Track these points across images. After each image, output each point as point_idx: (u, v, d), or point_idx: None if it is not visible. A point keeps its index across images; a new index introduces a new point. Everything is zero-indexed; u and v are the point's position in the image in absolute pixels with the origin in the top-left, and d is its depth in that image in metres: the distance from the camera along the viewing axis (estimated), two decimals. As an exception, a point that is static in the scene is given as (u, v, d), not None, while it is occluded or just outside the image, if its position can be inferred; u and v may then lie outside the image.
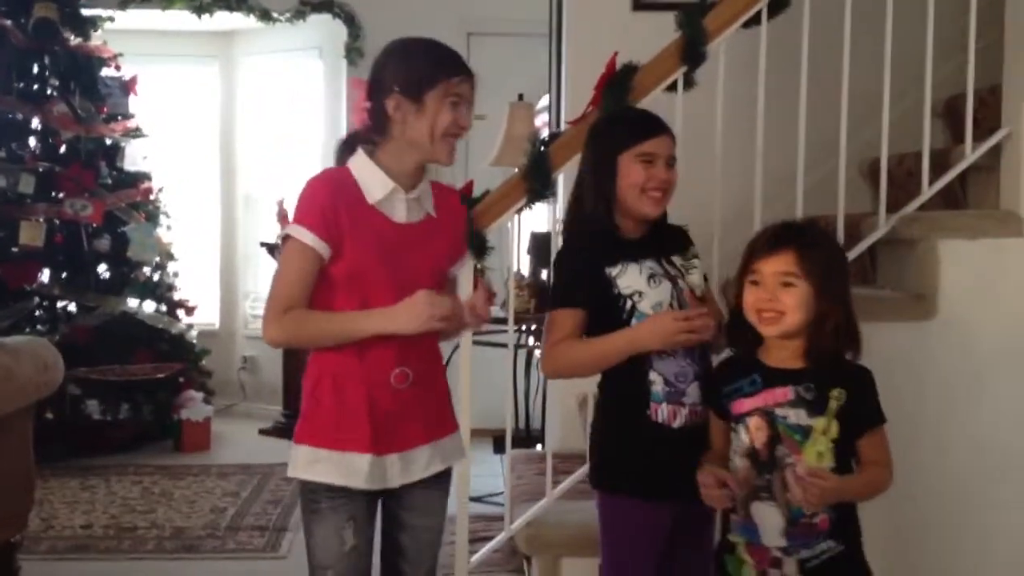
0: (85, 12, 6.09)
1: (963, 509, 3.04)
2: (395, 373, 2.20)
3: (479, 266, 3.00)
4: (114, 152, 6.10)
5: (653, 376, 2.32)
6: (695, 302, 2.36)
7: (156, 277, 6.17)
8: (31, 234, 5.66)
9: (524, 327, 4.55)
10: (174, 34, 6.87)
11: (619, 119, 2.59)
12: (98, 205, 5.77)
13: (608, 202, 2.37)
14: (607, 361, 2.35)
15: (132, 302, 5.95)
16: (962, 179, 3.27)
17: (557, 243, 3.59)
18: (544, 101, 5.24)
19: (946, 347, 3.03)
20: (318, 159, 6.70)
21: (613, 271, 2.34)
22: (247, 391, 7.05)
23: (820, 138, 3.19)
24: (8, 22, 5.76)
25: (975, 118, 3.15)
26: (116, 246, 5.94)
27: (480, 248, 2.95)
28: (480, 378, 3.03)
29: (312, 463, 2.21)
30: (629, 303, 2.33)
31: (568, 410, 3.88)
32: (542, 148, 3.03)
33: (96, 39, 6.13)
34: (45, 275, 5.84)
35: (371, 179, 2.20)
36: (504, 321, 3.30)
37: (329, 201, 2.17)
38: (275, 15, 6.43)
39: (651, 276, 2.34)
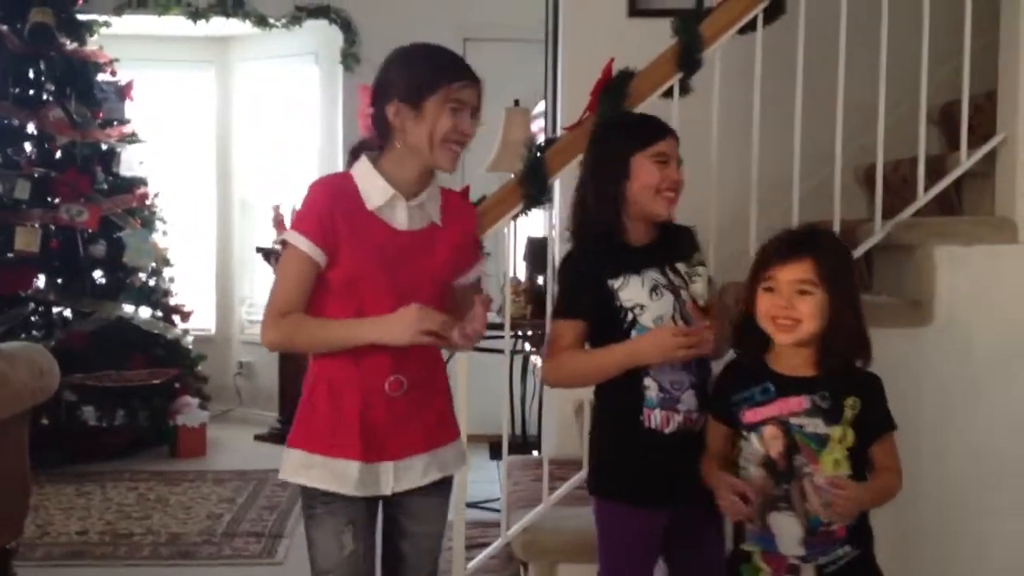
0: (81, 17, 6.10)
1: (960, 515, 3.04)
2: (390, 381, 2.19)
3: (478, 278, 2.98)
4: (110, 157, 6.09)
5: (647, 382, 2.32)
6: (698, 315, 2.33)
7: (152, 283, 6.17)
8: (26, 240, 5.66)
9: (520, 333, 4.54)
10: (170, 39, 6.86)
11: (627, 122, 2.59)
12: (94, 210, 5.76)
13: (616, 206, 2.35)
14: (606, 373, 2.35)
15: (128, 308, 5.95)
16: (957, 185, 3.28)
17: (554, 248, 3.60)
18: (540, 107, 5.25)
19: (942, 353, 3.03)
20: (314, 165, 6.71)
21: (615, 283, 2.33)
22: (243, 397, 7.04)
23: (816, 144, 3.19)
24: (4, 27, 5.77)
25: (970, 124, 3.15)
26: (112, 252, 5.93)
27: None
28: (477, 384, 3.03)
29: (302, 467, 2.22)
30: (630, 315, 2.33)
31: (564, 416, 3.88)
32: (538, 154, 3.03)
33: (92, 44, 6.14)
34: (41, 281, 5.83)
35: (371, 185, 2.19)
36: (501, 327, 3.30)
37: (326, 208, 2.17)
38: (271, 21, 6.43)
39: (653, 288, 2.33)
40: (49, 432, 5.32)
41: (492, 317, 2.38)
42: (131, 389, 5.72)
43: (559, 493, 3.11)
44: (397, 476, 2.23)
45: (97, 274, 5.99)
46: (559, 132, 3.81)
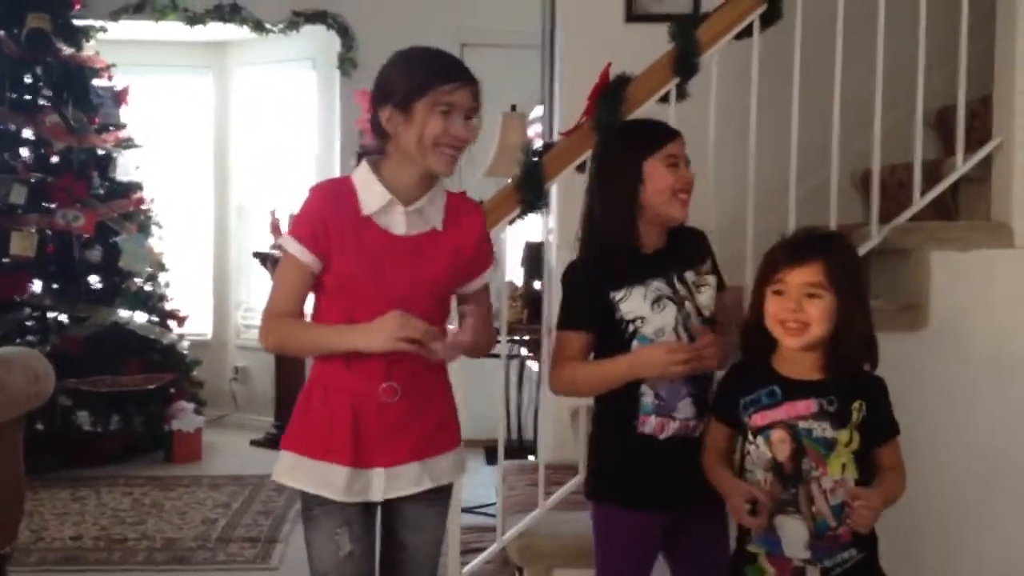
0: (78, 23, 6.11)
1: (957, 518, 3.04)
2: (383, 387, 2.18)
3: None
4: (106, 162, 6.09)
5: (644, 389, 2.32)
6: (702, 331, 2.31)
7: (148, 287, 6.16)
8: (22, 244, 5.65)
9: (517, 338, 4.54)
10: (167, 45, 6.87)
11: (635, 127, 2.56)
12: (90, 215, 5.76)
13: (630, 212, 2.33)
14: (608, 385, 2.35)
15: (123, 313, 5.94)
16: (953, 190, 3.28)
17: (551, 253, 3.61)
18: (537, 112, 5.25)
19: (938, 357, 3.04)
20: (311, 170, 6.71)
21: (617, 295, 2.32)
22: (239, 402, 7.03)
23: (812, 148, 3.19)
24: (1, 32, 5.76)
25: (966, 129, 3.16)
26: (108, 257, 5.93)
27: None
28: (473, 389, 3.02)
29: (293, 470, 2.23)
30: (631, 327, 2.32)
31: (561, 421, 3.87)
32: (535, 159, 3.03)
33: (89, 49, 6.15)
34: (36, 286, 5.83)
35: (369, 191, 2.18)
36: (497, 332, 3.29)
37: (320, 214, 2.17)
38: (268, 26, 6.43)
39: (656, 300, 2.32)
40: (44, 437, 5.31)
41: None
42: (126, 394, 5.71)
43: (555, 498, 3.11)
44: (388, 483, 2.21)
45: (93, 279, 5.98)
46: (556, 137, 3.81)
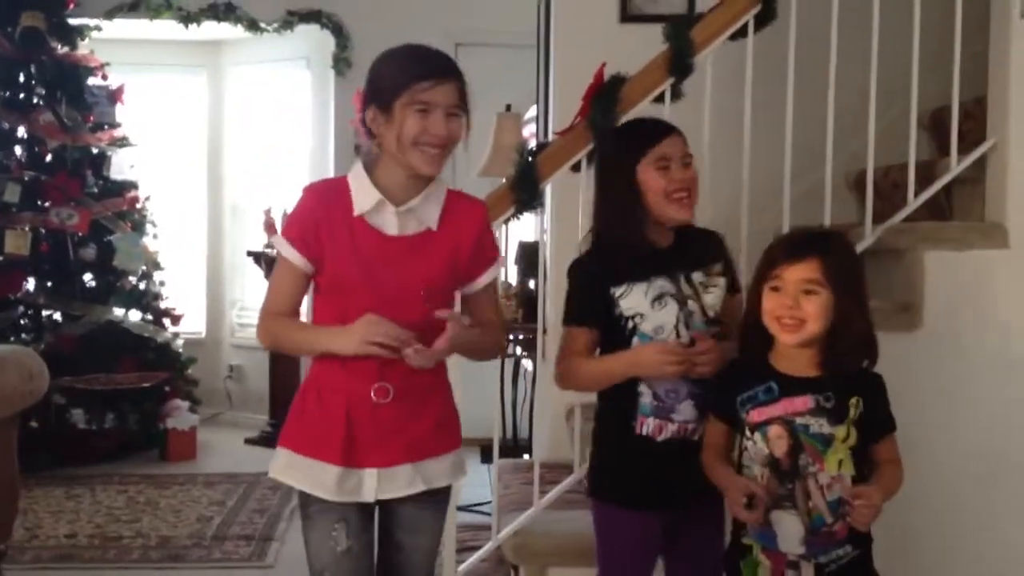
0: (72, 21, 6.10)
1: (954, 518, 3.05)
2: (376, 387, 2.16)
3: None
4: (100, 161, 6.08)
5: (642, 388, 2.32)
6: (701, 336, 2.30)
7: (142, 286, 6.15)
8: (16, 243, 5.65)
9: (512, 337, 4.55)
10: (161, 44, 6.86)
11: (625, 132, 2.56)
12: (84, 214, 5.75)
13: (631, 214, 2.33)
14: (608, 381, 2.36)
15: (118, 311, 5.94)
16: (947, 191, 3.29)
17: (545, 252, 3.61)
18: (532, 112, 5.26)
19: (933, 357, 3.04)
20: (305, 169, 6.71)
21: (617, 291, 2.32)
22: (233, 400, 7.03)
23: (807, 149, 3.20)
24: (-5, 31, 5.76)
25: (960, 130, 3.16)
26: (102, 255, 5.92)
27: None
28: (468, 387, 3.02)
29: (289, 467, 2.23)
30: (630, 324, 2.32)
31: (556, 420, 3.88)
32: (530, 159, 3.03)
33: (83, 48, 6.13)
34: (30, 284, 5.82)
35: (361, 191, 2.17)
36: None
37: (311, 215, 2.18)
38: (263, 25, 6.42)
39: (657, 297, 2.31)
40: (38, 435, 5.30)
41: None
42: (121, 392, 5.71)
43: (550, 497, 3.11)
44: (381, 484, 2.20)
45: (87, 277, 5.98)
46: (551, 137, 3.82)
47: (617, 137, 2.53)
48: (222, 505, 4.93)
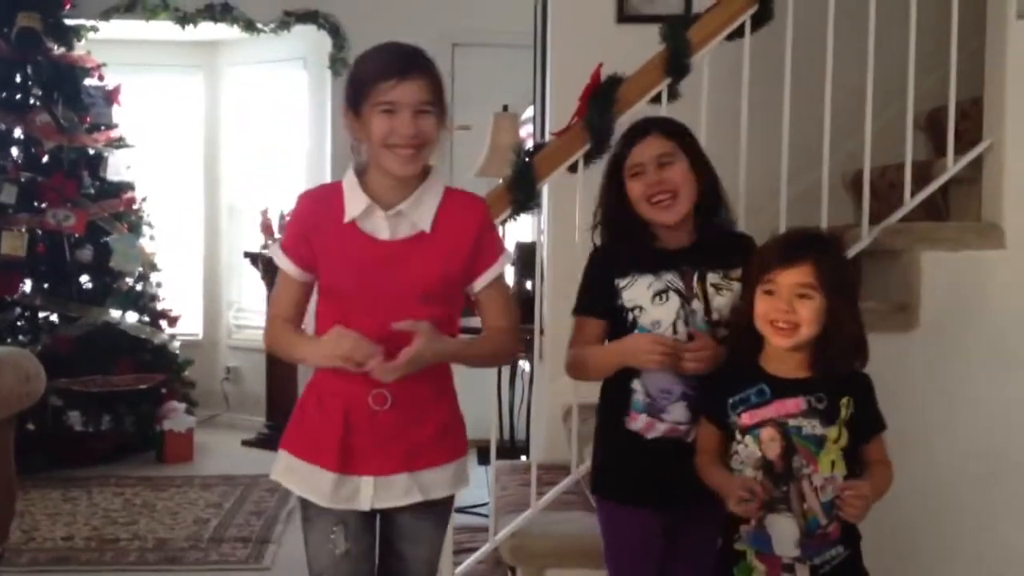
0: (68, 22, 6.09)
1: (952, 518, 3.06)
2: (373, 394, 2.13)
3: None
4: (97, 162, 6.07)
5: (635, 385, 2.33)
6: (696, 332, 2.28)
7: (139, 287, 6.14)
8: (13, 244, 5.64)
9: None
10: (158, 44, 6.85)
11: (620, 136, 2.53)
12: (81, 215, 5.75)
13: (627, 218, 2.35)
14: (606, 370, 2.37)
15: (115, 312, 5.93)
16: (944, 191, 3.29)
17: (542, 253, 3.61)
18: (529, 112, 5.25)
19: (929, 357, 3.05)
20: (302, 169, 6.71)
21: (621, 282, 2.33)
22: (230, 402, 7.02)
23: (803, 149, 3.21)
24: (-9, 32, 5.75)
25: (957, 130, 3.17)
26: (99, 256, 5.92)
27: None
28: (465, 389, 3.00)
29: (288, 471, 2.23)
30: (631, 316, 2.33)
31: (553, 421, 3.87)
32: (527, 159, 3.03)
33: (79, 49, 6.12)
34: (27, 285, 5.81)
35: (350, 196, 2.15)
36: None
37: (303, 224, 2.18)
38: (259, 26, 6.41)
39: (660, 292, 2.31)
40: (35, 437, 5.29)
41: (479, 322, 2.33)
42: (118, 394, 5.70)
43: (547, 498, 3.11)
44: (377, 492, 2.17)
45: (84, 279, 5.96)
46: (548, 137, 3.81)
47: (615, 143, 2.52)
48: (219, 507, 4.92)
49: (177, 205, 7.13)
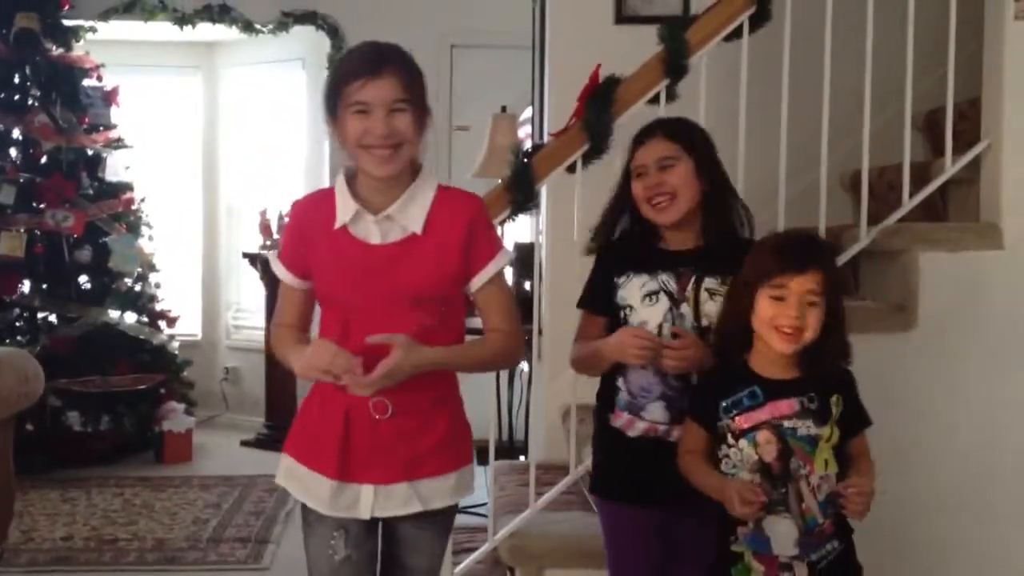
0: (67, 23, 6.08)
1: (949, 518, 3.06)
2: (374, 402, 2.09)
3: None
4: (96, 163, 6.07)
5: (620, 383, 2.35)
6: (683, 334, 2.26)
7: (137, 288, 6.13)
8: (12, 245, 5.64)
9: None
10: (156, 45, 6.85)
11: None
12: (79, 216, 5.75)
13: (638, 221, 2.38)
14: (598, 365, 2.38)
15: (113, 313, 5.92)
16: (942, 192, 3.30)
17: (540, 254, 3.61)
18: (527, 113, 5.26)
19: (927, 358, 3.05)
20: (300, 170, 6.71)
21: (619, 280, 2.36)
22: (229, 402, 7.02)
23: (801, 150, 3.21)
24: (-11, 32, 5.75)
25: (955, 131, 3.17)
26: (97, 257, 5.91)
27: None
28: (463, 389, 3.02)
29: (289, 475, 2.22)
30: (623, 314, 2.34)
31: (551, 421, 3.88)
32: (525, 160, 3.04)
33: (78, 49, 6.12)
34: (26, 286, 5.81)
35: (342, 202, 2.13)
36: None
37: (297, 233, 2.19)
38: (258, 26, 6.41)
39: (651, 293, 2.31)
40: (34, 438, 5.29)
41: (479, 322, 2.31)
42: (116, 394, 5.70)
43: (546, 498, 3.11)
44: (377, 501, 2.14)
45: (83, 279, 5.96)
46: (546, 138, 3.82)
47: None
48: (218, 507, 4.92)
49: (176, 206, 7.13)
